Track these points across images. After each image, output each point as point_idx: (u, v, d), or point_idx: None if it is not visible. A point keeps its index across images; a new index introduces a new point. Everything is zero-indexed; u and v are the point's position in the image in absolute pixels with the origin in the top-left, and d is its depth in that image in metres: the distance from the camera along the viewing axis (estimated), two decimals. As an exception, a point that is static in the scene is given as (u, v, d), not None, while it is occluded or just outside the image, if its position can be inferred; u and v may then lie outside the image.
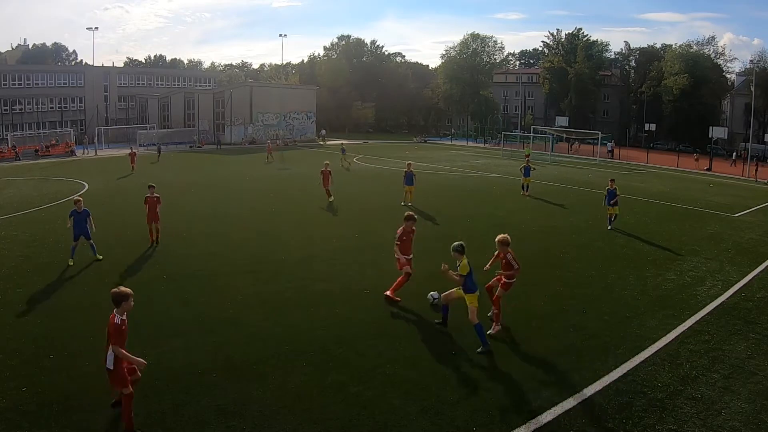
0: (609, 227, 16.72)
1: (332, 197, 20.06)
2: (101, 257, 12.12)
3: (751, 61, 66.84)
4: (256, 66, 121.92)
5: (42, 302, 9.36)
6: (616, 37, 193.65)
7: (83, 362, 7.14)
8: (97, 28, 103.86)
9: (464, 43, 79.79)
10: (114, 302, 5.81)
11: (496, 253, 8.82)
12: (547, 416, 6.18)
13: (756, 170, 38.29)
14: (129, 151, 33.85)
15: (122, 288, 5.97)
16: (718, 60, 69.06)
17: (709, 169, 41.88)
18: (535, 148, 48.92)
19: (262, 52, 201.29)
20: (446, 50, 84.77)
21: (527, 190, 23.36)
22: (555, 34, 79.91)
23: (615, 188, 16.75)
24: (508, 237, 8.61)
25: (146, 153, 42.67)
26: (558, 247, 14.54)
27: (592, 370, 7.31)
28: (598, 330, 8.80)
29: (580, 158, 48.00)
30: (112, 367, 5.58)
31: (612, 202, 16.67)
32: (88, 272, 11.13)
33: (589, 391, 6.77)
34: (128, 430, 5.63)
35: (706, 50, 68.43)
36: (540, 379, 7.08)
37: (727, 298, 10.62)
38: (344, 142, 45.13)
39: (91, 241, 12.11)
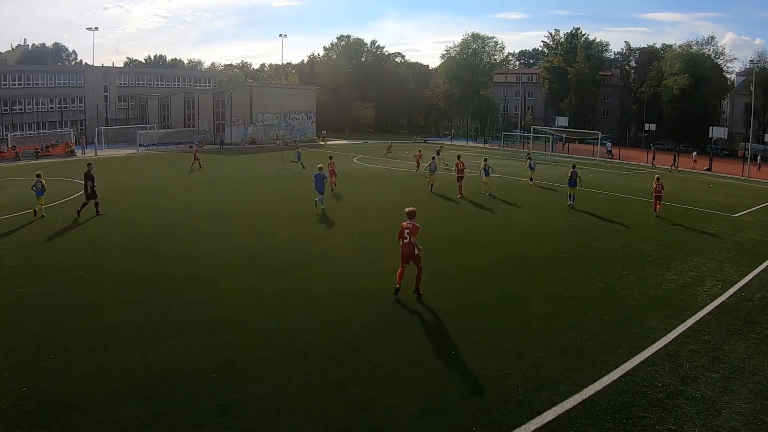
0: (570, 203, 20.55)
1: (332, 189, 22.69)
2: (324, 206, 18.17)
3: (751, 61, 66.92)
4: (256, 66, 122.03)
5: (42, 302, 9.34)
6: (617, 37, 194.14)
7: (83, 362, 7.14)
8: (97, 28, 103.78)
9: (464, 43, 79.75)
10: (411, 216, 9.93)
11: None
12: (547, 416, 6.18)
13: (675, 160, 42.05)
14: (193, 148, 35.97)
15: (412, 207, 10.18)
16: (718, 60, 69.04)
17: (709, 169, 41.91)
18: (536, 148, 48.91)
19: (262, 52, 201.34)
20: (446, 50, 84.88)
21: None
22: (554, 34, 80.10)
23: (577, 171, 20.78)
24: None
25: (147, 153, 42.69)
26: (558, 247, 14.54)
27: (592, 370, 7.31)
28: (598, 330, 8.80)
29: (580, 158, 47.91)
30: (418, 252, 9.78)
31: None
32: (88, 272, 11.12)
33: (589, 391, 6.77)
34: (418, 289, 10.01)
35: (706, 50, 68.40)
36: (540, 379, 7.07)
37: (727, 298, 10.62)
38: (442, 143, 45.11)
39: (321, 196, 18.31)
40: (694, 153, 47.34)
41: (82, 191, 17.54)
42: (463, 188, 22.37)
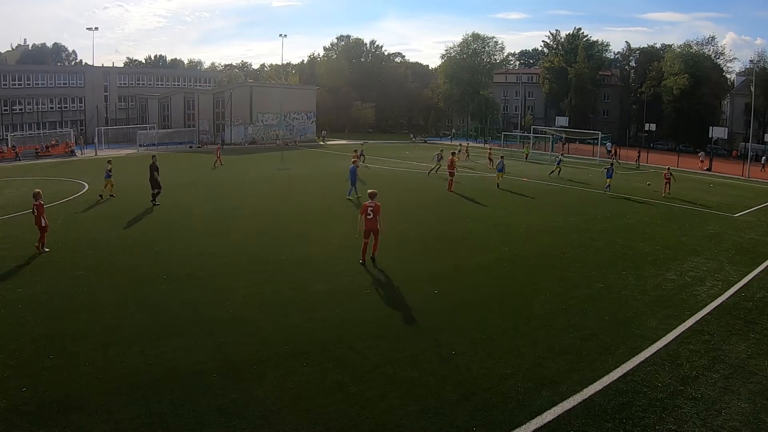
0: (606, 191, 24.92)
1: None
2: (354, 197, 20.32)
3: (751, 61, 66.93)
4: (256, 66, 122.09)
5: (42, 302, 9.34)
6: (618, 37, 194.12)
7: (83, 362, 7.13)
8: (97, 28, 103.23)
9: (464, 43, 79.77)
10: (372, 197, 11.54)
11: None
12: (547, 416, 6.18)
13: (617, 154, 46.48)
14: (216, 146, 38.75)
15: (374, 189, 11.86)
16: (718, 60, 69.08)
17: (709, 169, 41.89)
18: (536, 148, 48.89)
19: (262, 52, 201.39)
20: (446, 50, 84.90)
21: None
22: (555, 34, 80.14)
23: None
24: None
25: (147, 154, 42.62)
26: (558, 247, 14.54)
27: (592, 370, 7.31)
28: (598, 330, 8.80)
29: (579, 158, 47.96)
30: (380, 228, 11.63)
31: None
32: (88, 272, 11.12)
33: (589, 391, 6.77)
34: (374, 255, 11.94)
35: (706, 50, 68.46)
36: (540, 379, 7.07)
37: (727, 298, 10.62)
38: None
39: (353, 186, 20.65)
40: (701, 153, 47.29)
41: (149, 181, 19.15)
42: (452, 184, 24.37)
